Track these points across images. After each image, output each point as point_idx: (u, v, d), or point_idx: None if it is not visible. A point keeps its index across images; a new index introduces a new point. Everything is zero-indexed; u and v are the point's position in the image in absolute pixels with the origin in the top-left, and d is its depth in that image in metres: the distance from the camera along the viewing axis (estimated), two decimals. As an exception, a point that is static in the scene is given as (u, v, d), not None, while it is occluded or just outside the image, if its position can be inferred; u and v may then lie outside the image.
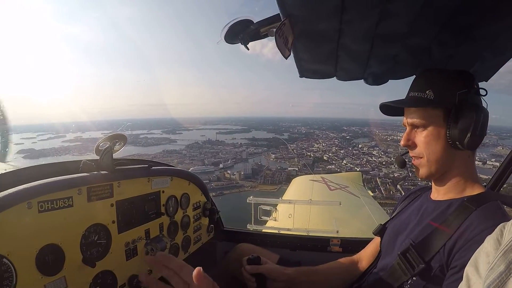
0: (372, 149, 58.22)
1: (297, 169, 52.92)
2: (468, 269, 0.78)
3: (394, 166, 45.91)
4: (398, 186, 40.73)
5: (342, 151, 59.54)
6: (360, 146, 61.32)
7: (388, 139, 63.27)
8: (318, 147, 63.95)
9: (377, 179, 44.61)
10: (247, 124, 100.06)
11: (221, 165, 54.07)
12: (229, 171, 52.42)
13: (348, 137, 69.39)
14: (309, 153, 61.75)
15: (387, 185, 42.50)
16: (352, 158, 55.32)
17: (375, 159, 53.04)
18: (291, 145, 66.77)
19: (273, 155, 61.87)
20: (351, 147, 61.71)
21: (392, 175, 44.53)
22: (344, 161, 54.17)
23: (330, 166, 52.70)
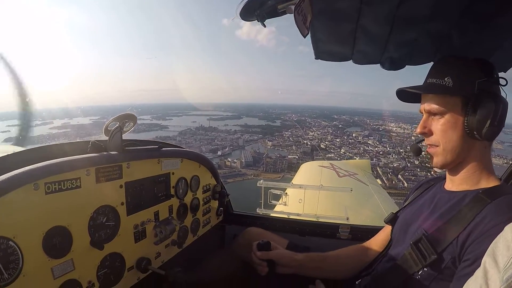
0: (367, 138, 57.28)
1: (297, 157, 52.07)
2: (486, 260, 0.73)
3: (392, 156, 45.68)
4: (400, 176, 40.16)
5: (338, 140, 58.34)
6: (354, 135, 60.22)
7: (380, 129, 62.58)
8: (313, 135, 62.43)
9: (378, 169, 44.40)
10: (237, 111, 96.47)
11: (219, 152, 52.57)
12: (229, 159, 50.90)
13: (340, 125, 67.59)
14: (305, 141, 60.20)
15: (389, 175, 41.92)
16: (349, 147, 54.04)
17: (371, 149, 51.99)
18: (286, 133, 65.44)
19: (270, 143, 59.98)
20: (346, 136, 60.59)
21: (392, 165, 43.95)
22: (342, 150, 53.00)
23: (329, 155, 51.49)
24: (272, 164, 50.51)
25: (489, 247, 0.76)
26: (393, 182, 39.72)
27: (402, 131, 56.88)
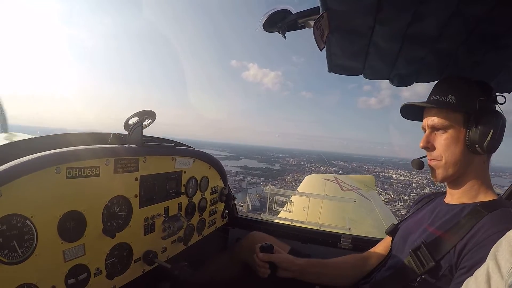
0: (369, 185, 54.75)
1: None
2: (489, 264, 0.71)
3: (399, 204, 44.00)
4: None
5: (341, 186, 55.68)
6: (355, 181, 57.61)
7: (380, 176, 60.09)
8: (316, 181, 59.23)
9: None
10: (234, 151, 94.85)
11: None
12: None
13: (340, 172, 65.83)
14: (310, 187, 57.18)
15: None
16: (354, 194, 51.67)
17: (376, 196, 49.55)
18: (288, 177, 61.94)
19: (273, 187, 57.07)
20: (348, 183, 57.90)
21: (400, 213, 41.68)
22: (348, 197, 50.58)
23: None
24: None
25: (491, 252, 0.74)
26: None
27: (402, 178, 55.16)
